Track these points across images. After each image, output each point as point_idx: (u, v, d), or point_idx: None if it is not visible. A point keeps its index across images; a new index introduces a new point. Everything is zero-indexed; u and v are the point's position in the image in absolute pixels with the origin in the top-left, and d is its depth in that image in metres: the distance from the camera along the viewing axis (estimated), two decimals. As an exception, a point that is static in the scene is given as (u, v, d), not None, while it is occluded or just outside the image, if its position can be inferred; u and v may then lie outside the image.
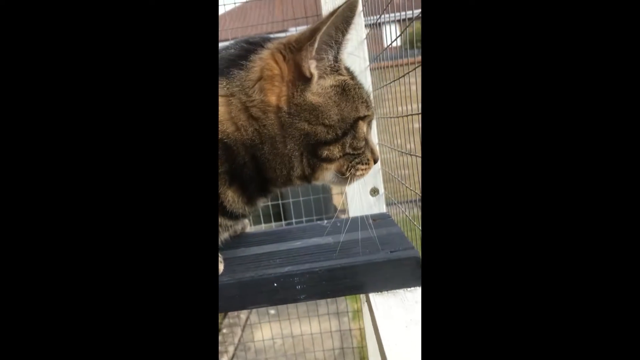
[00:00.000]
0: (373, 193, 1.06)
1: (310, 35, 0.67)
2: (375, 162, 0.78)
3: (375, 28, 1.08)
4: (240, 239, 0.91)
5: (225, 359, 2.65)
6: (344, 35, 0.69)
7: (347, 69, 0.76)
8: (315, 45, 0.67)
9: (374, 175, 1.07)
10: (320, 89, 0.70)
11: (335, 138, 0.70)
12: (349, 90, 0.72)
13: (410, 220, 0.83)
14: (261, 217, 2.53)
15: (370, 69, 1.15)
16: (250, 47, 0.72)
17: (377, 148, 0.79)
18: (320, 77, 0.70)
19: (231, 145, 0.69)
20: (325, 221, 0.94)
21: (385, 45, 0.96)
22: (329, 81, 0.71)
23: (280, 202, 2.60)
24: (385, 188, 1.10)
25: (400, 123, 0.93)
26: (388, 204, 1.13)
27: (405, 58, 0.81)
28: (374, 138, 1.11)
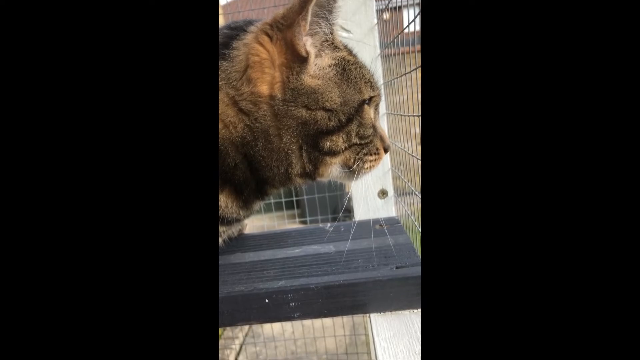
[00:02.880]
0: (382, 195, 0.97)
1: (301, 8, 0.57)
2: (386, 151, 0.69)
3: (394, 11, 0.98)
4: (237, 242, 0.85)
5: (235, 346, 2.65)
6: (335, 0, 0.59)
7: (345, 45, 0.66)
8: (308, 17, 0.58)
9: (382, 176, 0.99)
10: (317, 70, 0.61)
11: (338, 125, 0.61)
12: (349, 70, 0.63)
13: (415, 224, 0.75)
14: (272, 205, 2.48)
15: (388, 55, 1.05)
16: (232, 34, 0.63)
17: (386, 135, 0.70)
18: (316, 55, 0.61)
19: (219, 146, 0.62)
20: (329, 224, 0.87)
21: (404, 30, 0.86)
22: (327, 60, 0.62)
23: (294, 199, 2.50)
24: (394, 189, 1.02)
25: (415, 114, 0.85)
26: (400, 194, 1.05)
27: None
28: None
